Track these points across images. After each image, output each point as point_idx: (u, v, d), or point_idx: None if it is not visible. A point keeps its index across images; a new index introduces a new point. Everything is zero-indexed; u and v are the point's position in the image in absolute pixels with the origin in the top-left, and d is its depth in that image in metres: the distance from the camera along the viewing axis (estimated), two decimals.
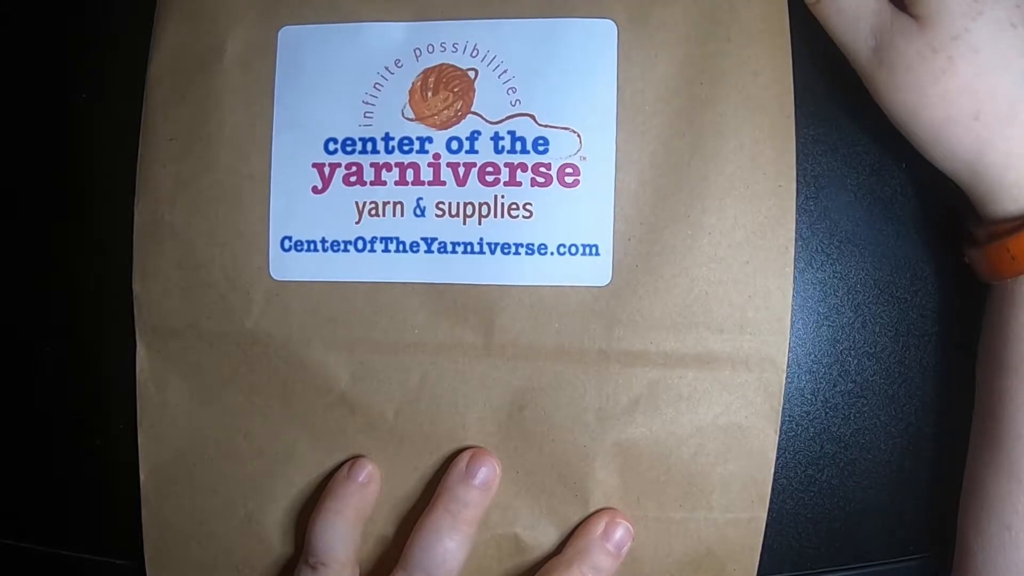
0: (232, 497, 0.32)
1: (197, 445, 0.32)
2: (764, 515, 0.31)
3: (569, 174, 0.31)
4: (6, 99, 0.35)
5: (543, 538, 0.31)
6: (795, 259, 0.30)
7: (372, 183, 0.32)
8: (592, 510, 0.31)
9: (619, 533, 0.30)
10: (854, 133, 0.33)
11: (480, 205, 0.31)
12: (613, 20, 0.31)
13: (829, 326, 0.33)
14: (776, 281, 0.30)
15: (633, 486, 0.31)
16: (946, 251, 0.33)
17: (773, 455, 0.31)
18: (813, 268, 0.33)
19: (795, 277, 0.30)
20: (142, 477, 0.32)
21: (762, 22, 0.31)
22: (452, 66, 0.32)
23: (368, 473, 0.31)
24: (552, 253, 0.31)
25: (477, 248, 0.31)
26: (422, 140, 0.31)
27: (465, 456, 0.31)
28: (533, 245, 0.31)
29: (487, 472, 0.31)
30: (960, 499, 0.31)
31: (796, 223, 0.30)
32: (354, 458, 0.31)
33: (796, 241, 0.30)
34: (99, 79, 0.34)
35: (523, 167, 0.31)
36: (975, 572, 0.30)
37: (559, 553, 0.31)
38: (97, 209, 0.34)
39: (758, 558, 0.31)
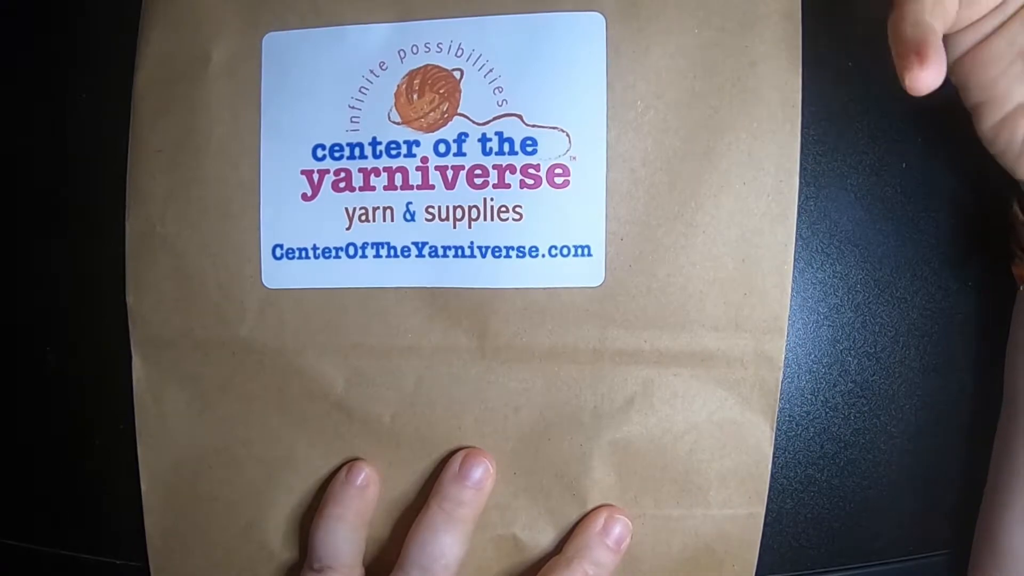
0: (232, 504, 0.31)
1: (196, 454, 0.31)
2: (762, 511, 0.30)
3: (559, 175, 0.29)
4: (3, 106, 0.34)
5: (541, 538, 0.30)
6: (795, 258, 0.28)
7: (361, 189, 0.30)
8: (590, 508, 0.30)
9: (618, 528, 0.29)
10: (854, 133, 0.31)
11: (470, 208, 0.30)
12: (601, 13, 0.29)
13: (829, 326, 0.31)
14: (774, 279, 0.29)
15: (630, 484, 0.30)
16: (947, 251, 0.31)
17: (770, 450, 0.29)
18: (813, 268, 0.31)
19: (795, 277, 0.29)
20: (143, 487, 0.32)
21: (763, 7, 0.28)
22: (437, 67, 0.30)
23: (366, 476, 0.30)
24: (544, 255, 0.29)
25: (468, 252, 0.30)
26: (409, 144, 0.30)
27: (459, 457, 0.30)
28: (524, 247, 0.29)
29: (480, 472, 0.29)
30: (987, 501, 0.29)
31: (796, 222, 0.28)
32: (351, 462, 0.30)
33: (796, 240, 0.28)
34: (97, 87, 0.33)
35: (511, 169, 0.29)
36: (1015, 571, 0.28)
37: (559, 552, 0.30)
38: (95, 220, 0.33)
39: (757, 553, 0.30)
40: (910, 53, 0.24)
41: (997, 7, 0.25)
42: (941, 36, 0.24)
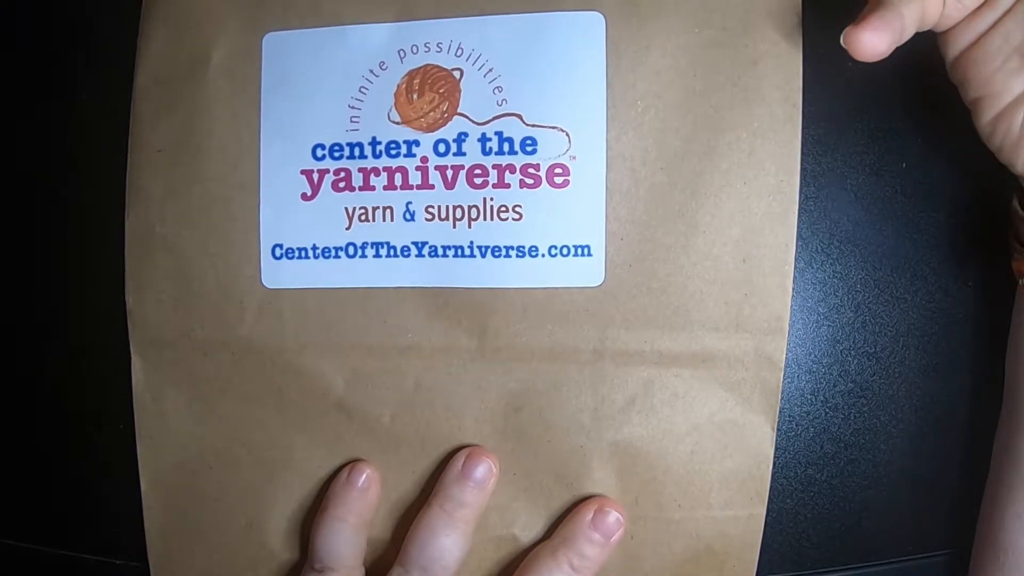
0: (233, 505, 0.31)
1: (196, 454, 0.31)
2: (763, 511, 0.29)
3: (559, 174, 0.29)
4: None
5: (541, 539, 0.30)
6: (795, 258, 0.28)
7: (361, 188, 0.30)
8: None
9: (608, 522, 0.29)
10: (854, 133, 0.30)
11: (469, 208, 0.29)
12: (601, 12, 0.29)
13: (829, 326, 0.31)
14: (775, 279, 0.28)
15: (631, 486, 0.29)
16: (946, 251, 0.31)
17: (771, 451, 0.29)
18: (813, 268, 0.31)
19: (795, 277, 0.28)
20: (143, 487, 0.32)
21: (764, 6, 0.28)
22: (437, 67, 0.30)
23: (367, 477, 0.30)
24: (543, 255, 0.29)
25: (468, 251, 0.29)
26: (409, 143, 0.30)
27: (461, 455, 0.30)
28: (524, 247, 0.29)
29: (483, 471, 0.29)
30: (988, 498, 0.29)
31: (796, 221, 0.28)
32: (352, 463, 0.30)
33: (796, 240, 0.28)
34: (97, 87, 0.33)
35: (511, 169, 0.29)
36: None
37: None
38: (95, 220, 0.33)
39: (757, 554, 0.30)
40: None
41: (987, 3, 0.25)
42: (905, 17, 0.24)
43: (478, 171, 0.29)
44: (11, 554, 0.34)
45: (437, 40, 0.30)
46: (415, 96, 0.30)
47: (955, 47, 0.27)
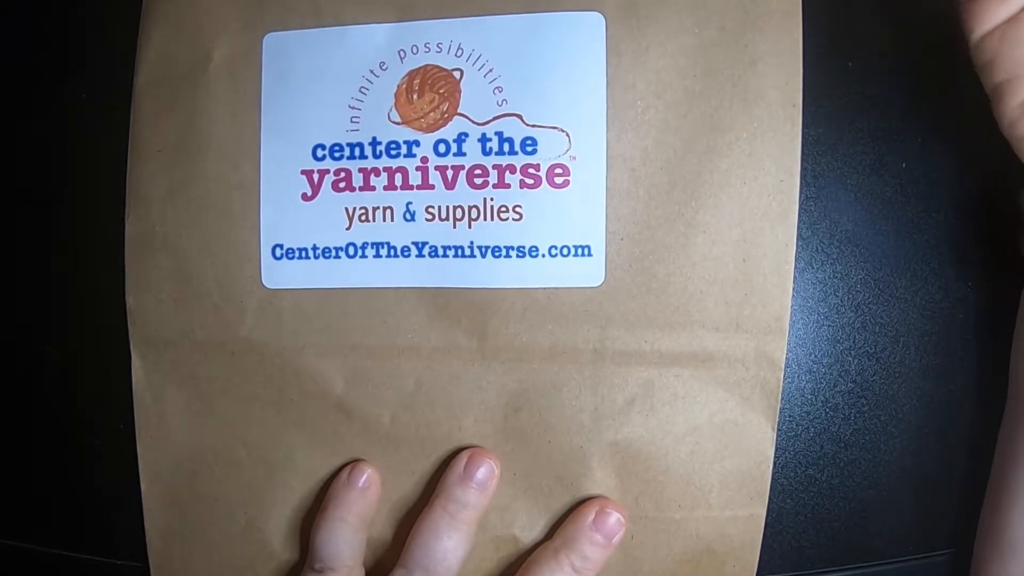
0: (233, 505, 0.31)
1: (196, 454, 0.31)
2: (763, 512, 0.29)
3: (559, 175, 0.29)
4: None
5: (541, 539, 0.30)
6: (795, 258, 0.28)
7: (361, 188, 0.30)
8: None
9: (610, 522, 0.29)
10: (854, 133, 0.30)
11: (470, 208, 0.29)
12: (601, 13, 0.29)
13: (829, 326, 0.31)
14: (775, 279, 0.29)
15: (631, 486, 0.30)
16: (946, 251, 0.31)
17: (771, 451, 0.29)
18: (813, 268, 0.31)
19: (795, 277, 0.28)
20: (143, 487, 0.32)
21: (763, 6, 0.28)
22: (437, 67, 0.30)
23: (368, 477, 0.30)
24: (544, 255, 0.29)
25: (468, 252, 0.30)
26: (409, 144, 0.30)
27: (463, 456, 0.30)
28: (524, 247, 0.29)
29: (485, 472, 0.29)
30: (991, 496, 0.29)
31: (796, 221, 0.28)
32: (353, 463, 0.30)
33: (796, 240, 0.28)
34: (97, 87, 0.33)
35: (511, 169, 0.29)
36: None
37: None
38: (95, 220, 0.33)
39: (758, 555, 0.30)
40: None
41: None
42: None
43: (478, 171, 0.29)
44: (11, 554, 0.34)
45: (437, 40, 0.30)
46: (415, 96, 0.30)
47: (986, 23, 0.25)
